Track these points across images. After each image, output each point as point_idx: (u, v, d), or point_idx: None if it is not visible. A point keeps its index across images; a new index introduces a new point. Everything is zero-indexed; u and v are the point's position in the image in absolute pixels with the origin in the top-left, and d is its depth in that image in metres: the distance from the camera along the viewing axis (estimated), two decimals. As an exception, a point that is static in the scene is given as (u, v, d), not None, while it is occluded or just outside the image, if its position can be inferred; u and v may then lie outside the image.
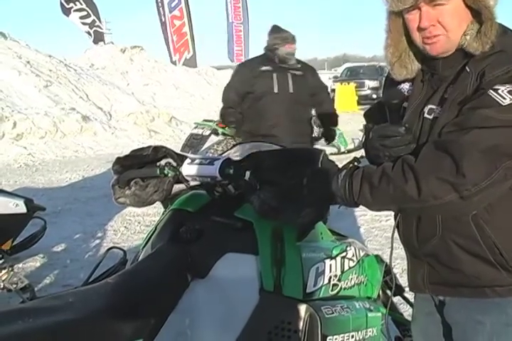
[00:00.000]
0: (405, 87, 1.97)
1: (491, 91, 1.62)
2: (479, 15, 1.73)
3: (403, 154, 1.69)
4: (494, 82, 1.64)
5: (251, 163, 1.96)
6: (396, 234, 1.94)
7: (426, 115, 1.83)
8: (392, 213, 1.96)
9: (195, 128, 9.75)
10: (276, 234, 1.93)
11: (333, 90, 22.92)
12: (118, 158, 2.16)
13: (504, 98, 1.60)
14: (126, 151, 2.22)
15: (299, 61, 5.69)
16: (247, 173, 1.90)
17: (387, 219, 6.06)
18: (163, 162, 2.12)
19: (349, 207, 1.80)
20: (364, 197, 1.70)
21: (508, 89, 1.61)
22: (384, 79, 2.26)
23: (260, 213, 1.85)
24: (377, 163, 1.75)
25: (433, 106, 1.82)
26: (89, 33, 24.97)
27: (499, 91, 1.62)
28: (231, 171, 1.92)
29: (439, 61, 1.83)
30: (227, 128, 9.55)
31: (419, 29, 1.77)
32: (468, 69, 1.74)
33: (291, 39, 5.51)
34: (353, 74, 27.09)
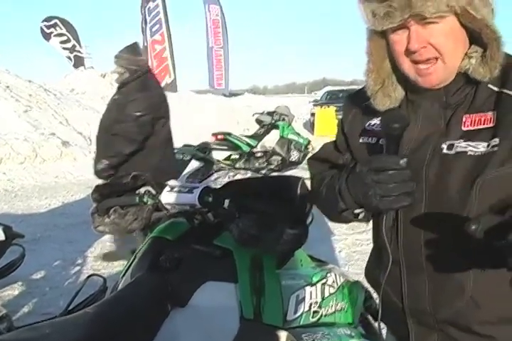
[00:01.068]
0: (377, 122, 1.69)
1: None
2: (480, 36, 1.49)
3: (398, 193, 1.40)
4: None
5: (230, 191, 1.96)
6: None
7: (445, 151, 1.52)
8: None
9: (176, 153, 9.75)
10: (256, 261, 1.93)
11: (313, 114, 23.08)
12: (97, 186, 2.16)
13: None
14: (107, 177, 2.22)
15: None
16: (226, 201, 1.90)
17: (368, 243, 6.07)
18: (142, 190, 2.12)
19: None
20: None
21: None
22: (343, 109, 1.93)
23: (239, 242, 1.85)
24: (365, 203, 1.49)
25: (452, 142, 1.51)
26: (69, 57, 25.07)
27: None
28: (210, 199, 1.93)
29: (439, 88, 1.57)
30: (207, 153, 9.62)
31: (408, 52, 1.51)
32: (495, 89, 1.51)
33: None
34: (332, 98, 27.23)
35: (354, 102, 1.83)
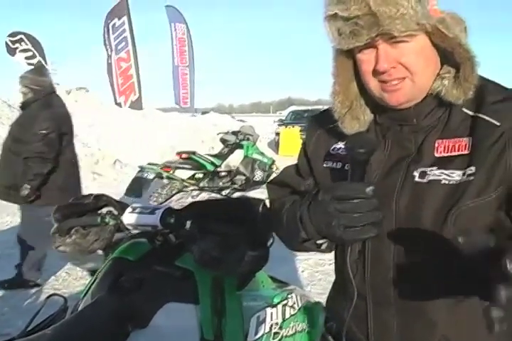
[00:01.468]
0: (342, 146, 1.61)
1: None
2: (452, 56, 1.42)
3: (364, 224, 1.29)
4: None
5: (192, 212, 1.97)
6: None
7: (417, 179, 1.44)
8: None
9: (140, 171, 9.72)
10: (217, 283, 1.93)
11: (278, 134, 23.19)
12: (59, 207, 2.15)
13: None
14: (69, 194, 2.21)
15: None
16: (188, 223, 1.91)
17: (330, 262, 6.08)
18: (104, 210, 2.12)
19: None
20: None
21: None
22: (306, 131, 1.83)
23: (200, 263, 1.85)
24: (328, 234, 1.39)
25: (425, 169, 1.44)
26: (34, 74, 24.86)
27: None
28: (172, 220, 1.93)
29: (409, 109, 1.49)
30: (171, 172, 9.60)
31: (376, 72, 1.43)
32: (470, 113, 1.44)
33: None
34: (297, 118, 27.35)
35: (318, 124, 1.75)
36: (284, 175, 1.84)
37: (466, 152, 1.40)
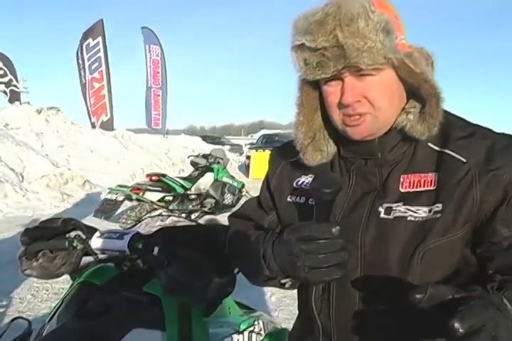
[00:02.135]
0: (306, 180, 1.60)
1: None
2: (418, 91, 1.41)
3: (329, 265, 1.24)
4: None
5: (160, 238, 1.97)
6: None
7: (383, 216, 1.41)
8: None
9: (109, 193, 9.66)
10: (184, 309, 1.93)
11: (248, 157, 23.23)
12: (26, 230, 2.14)
13: None
14: (37, 214, 2.21)
15: None
16: (156, 248, 1.91)
17: (298, 287, 6.07)
18: (72, 234, 2.11)
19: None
20: None
21: None
22: (269, 163, 1.79)
23: (167, 290, 1.85)
24: (292, 275, 1.34)
25: (390, 205, 1.42)
26: (5, 92, 24.69)
27: None
28: (140, 246, 1.93)
29: (373, 143, 1.47)
30: (141, 194, 9.55)
31: (340, 105, 1.41)
32: (436, 148, 1.44)
33: None
34: (268, 142, 27.49)
35: (281, 156, 1.72)
36: (246, 208, 1.81)
37: (432, 188, 1.40)
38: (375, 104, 1.39)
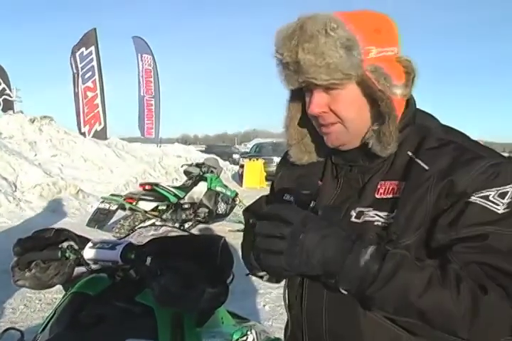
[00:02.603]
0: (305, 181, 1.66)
1: (481, 200, 1.33)
2: (378, 108, 1.44)
3: (267, 249, 1.28)
4: (475, 185, 1.34)
5: (153, 248, 1.97)
6: None
7: (353, 219, 1.47)
8: None
9: (102, 202, 9.64)
10: (176, 319, 1.94)
11: (242, 166, 23.27)
12: (19, 240, 2.14)
13: (498, 204, 1.33)
14: (31, 224, 2.20)
15: None
16: (149, 259, 1.91)
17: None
18: (65, 244, 2.11)
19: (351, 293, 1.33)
20: (401, 292, 1.25)
21: (499, 192, 1.34)
22: (277, 166, 1.89)
23: (160, 300, 1.85)
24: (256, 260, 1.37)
25: (362, 209, 1.47)
26: (-2, 101, 24.69)
27: (490, 198, 1.33)
28: (132, 256, 1.93)
29: (357, 150, 1.53)
30: (134, 203, 9.53)
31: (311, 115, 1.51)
32: (411, 156, 1.46)
33: None
34: (261, 151, 27.61)
35: (283, 162, 1.80)
36: (256, 202, 1.88)
37: (398, 195, 1.43)
38: (340, 116, 1.46)
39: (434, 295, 1.24)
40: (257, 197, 1.93)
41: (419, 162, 1.43)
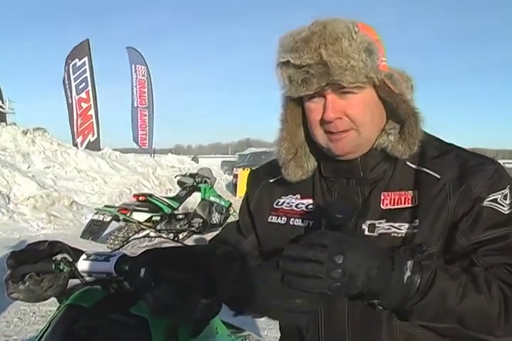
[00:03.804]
0: (288, 200, 1.63)
1: (492, 203, 1.40)
2: (396, 111, 1.47)
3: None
4: (486, 190, 1.40)
5: (147, 259, 1.97)
6: None
7: (368, 233, 1.45)
8: None
9: (96, 214, 9.64)
10: (171, 331, 1.93)
11: (235, 175, 23.24)
12: (12, 253, 2.13)
13: (504, 206, 1.39)
14: (24, 236, 2.19)
15: None
16: (142, 270, 1.91)
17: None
18: (58, 257, 2.10)
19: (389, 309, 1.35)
20: (440, 305, 1.27)
21: (504, 194, 1.41)
22: (247, 185, 1.82)
23: (154, 311, 1.85)
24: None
25: (373, 222, 1.46)
26: (-10, 113, 24.66)
27: (498, 201, 1.39)
28: (126, 268, 1.93)
29: (355, 161, 1.52)
30: (128, 214, 9.52)
31: (323, 122, 1.46)
32: (413, 166, 1.50)
33: None
34: (255, 160, 27.58)
35: (260, 177, 1.76)
36: (225, 232, 1.86)
37: (411, 205, 1.44)
38: (355, 122, 1.45)
39: (471, 300, 1.27)
40: (224, 225, 1.87)
41: (429, 171, 1.46)
